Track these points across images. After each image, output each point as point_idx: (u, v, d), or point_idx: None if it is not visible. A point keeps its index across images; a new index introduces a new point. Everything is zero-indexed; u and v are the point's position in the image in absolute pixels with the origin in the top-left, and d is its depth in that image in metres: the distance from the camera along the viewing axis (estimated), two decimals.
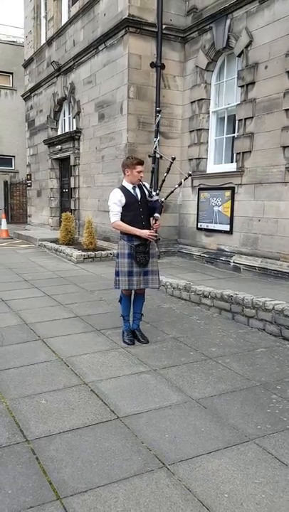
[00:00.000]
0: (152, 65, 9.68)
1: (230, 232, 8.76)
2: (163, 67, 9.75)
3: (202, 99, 9.56)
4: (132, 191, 4.50)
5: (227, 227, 8.78)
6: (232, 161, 9.03)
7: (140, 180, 4.50)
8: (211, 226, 9.22)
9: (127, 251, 4.47)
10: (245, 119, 8.32)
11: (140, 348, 4.48)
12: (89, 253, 9.54)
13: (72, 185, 12.85)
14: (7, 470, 2.54)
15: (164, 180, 4.64)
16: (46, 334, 4.86)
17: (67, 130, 13.63)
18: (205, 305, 5.95)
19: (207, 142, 9.63)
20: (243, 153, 8.39)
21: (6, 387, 3.58)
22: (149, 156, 4.93)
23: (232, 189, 8.66)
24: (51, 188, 14.74)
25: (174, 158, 4.70)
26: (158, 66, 9.68)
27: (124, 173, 4.52)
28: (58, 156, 13.87)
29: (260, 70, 8.02)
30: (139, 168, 4.43)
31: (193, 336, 4.90)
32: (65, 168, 13.91)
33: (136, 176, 4.44)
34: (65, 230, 11.20)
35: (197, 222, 9.73)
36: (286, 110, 7.53)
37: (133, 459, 2.66)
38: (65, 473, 2.51)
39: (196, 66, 9.64)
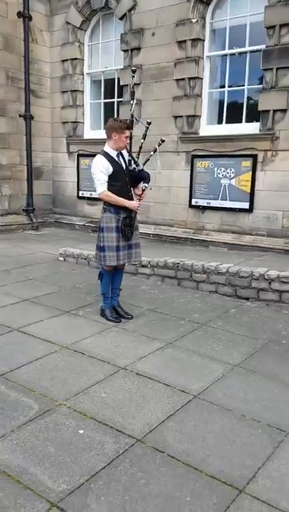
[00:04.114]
0: (19, 14, 8.64)
1: None
2: (30, 18, 8.81)
3: (76, 58, 9.03)
4: (116, 159, 4.12)
5: None
6: None
7: (126, 147, 4.16)
8: (95, 194, 8.95)
9: (114, 224, 4.11)
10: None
11: (131, 324, 4.23)
12: None
13: None
14: (154, 475, 2.20)
15: (141, 147, 4.37)
16: (15, 323, 4.13)
17: None
18: (143, 274, 5.90)
19: (83, 105, 9.21)
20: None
21: (42, 388, 2.98)
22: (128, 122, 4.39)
23: None
24: None
25: (149, 123, 4.46)
26: (25, 17, 8.71)
27: (111, 137, 4.08)
28: None
29: (146, 36, 7.97)
30: (127, 133, 4.09)
31: (164, 305, 4.84)
32: None
33: (123, 142, 4.09)
34: None
35: (78, 190, 9.34)
36: (177, 80, 7.73)
37: (258, 434, 2.58)
38: (214, 465, 2.31)
39: (68, 23, 8.99)
